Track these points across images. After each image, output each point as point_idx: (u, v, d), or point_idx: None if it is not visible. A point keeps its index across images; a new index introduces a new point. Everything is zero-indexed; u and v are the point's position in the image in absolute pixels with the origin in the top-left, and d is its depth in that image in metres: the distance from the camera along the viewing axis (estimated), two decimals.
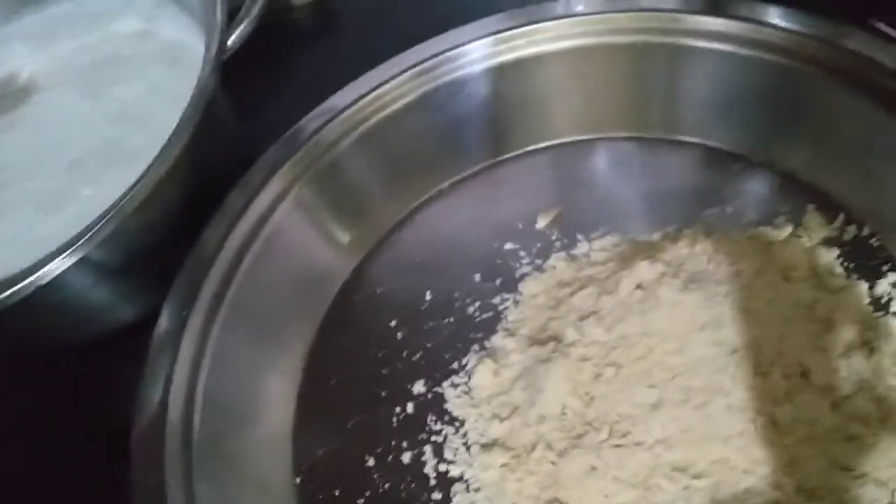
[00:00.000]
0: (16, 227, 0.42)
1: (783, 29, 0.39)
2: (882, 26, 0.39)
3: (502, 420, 0.36)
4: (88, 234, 0.35)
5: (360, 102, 0.43)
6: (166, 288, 0.39)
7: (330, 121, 0.42)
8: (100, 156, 0.43)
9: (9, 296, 0.34)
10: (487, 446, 0.36)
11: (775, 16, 0.39)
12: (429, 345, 0.40)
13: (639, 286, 0.37)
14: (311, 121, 0.42)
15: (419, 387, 0.39)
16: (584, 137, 0.45)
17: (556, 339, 0.37)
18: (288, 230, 0.41)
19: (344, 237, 0.43)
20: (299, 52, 0.55)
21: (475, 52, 0.43)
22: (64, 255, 0.35)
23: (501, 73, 0.43)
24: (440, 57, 0.43)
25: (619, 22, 0.42)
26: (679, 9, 0.41)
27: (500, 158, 0.45)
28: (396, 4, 0.55)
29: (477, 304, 0.41)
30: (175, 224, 0.40)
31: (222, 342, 0.37)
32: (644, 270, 0.37)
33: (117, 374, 0.43)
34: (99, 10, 0.49)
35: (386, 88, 0.43)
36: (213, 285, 0.38)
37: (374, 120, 0.43)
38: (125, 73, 0.46)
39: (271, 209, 0.40)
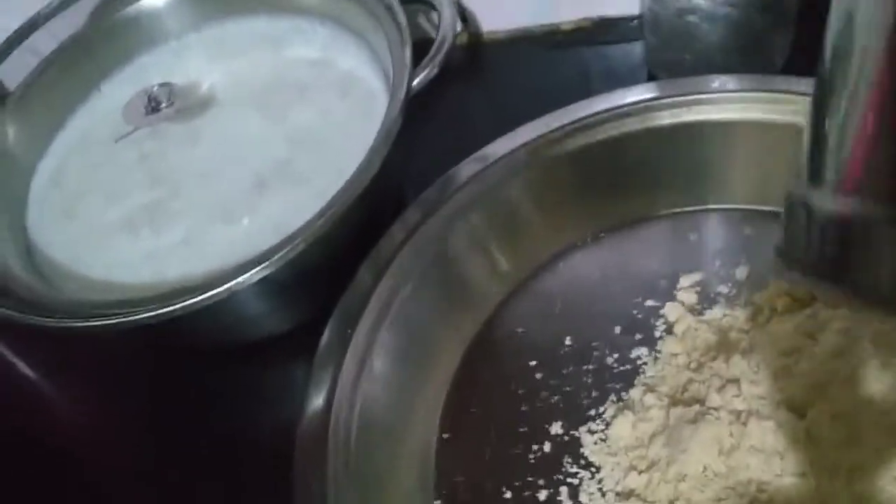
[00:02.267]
0: (189, 232, 0.45)
1: None
2: None
3: (640, 472, 0.38)
4: (277, 255, 0.38)
5: (511, 157, 0.45)
6: (321, 302, 0.41)
7: (476, 175, 0.45)
8: (274, 173, 0.46)
9: (197, 302, 0.37)
10: (624, 495, 0.37)
11: None
12: (567, 389, 0.42)
13: (783, 353, 0.38)
14: (457, 171, 0.45)
15: (556, 428, 0.40)
16: (734, 207, 0.46)
17: (699, 401, 0.38)
18: (452, 257, 0.43)
19: (502, 267, 0.45)
20: (447, 91, 0.57)
21: (635, 114, 0.45)
22: (253, 270, 0.37)
23: (660, 136, 0.45)
24: (603, 115, 0.45)
25: (774, 101, 0.44)
26: None
27: (645, 216, 0.47)
28: (546, 61, 0.58)
29: (616, 355, 0.42)
30: (343, 246, 0.42)
31: (380, 359, 0.40)
32: (787, 340, 0.39)
33: (265, 380, 0.46)
34: (277, 33, 0.52)
35: (537, 144, 0.45)
36: (376, 304, 0.41)
37: (521, 175, 0.45)
38: (299, 97, 0.49)
39: (440, 235, 0.43)
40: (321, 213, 0.38)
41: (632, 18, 0.57)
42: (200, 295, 0.37)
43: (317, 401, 0.38)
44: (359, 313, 0.40)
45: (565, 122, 0.45)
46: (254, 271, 0.37)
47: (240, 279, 0.37)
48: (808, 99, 0.28)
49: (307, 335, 0.40)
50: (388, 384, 0.40)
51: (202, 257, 0.43)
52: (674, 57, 0.51)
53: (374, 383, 0.39)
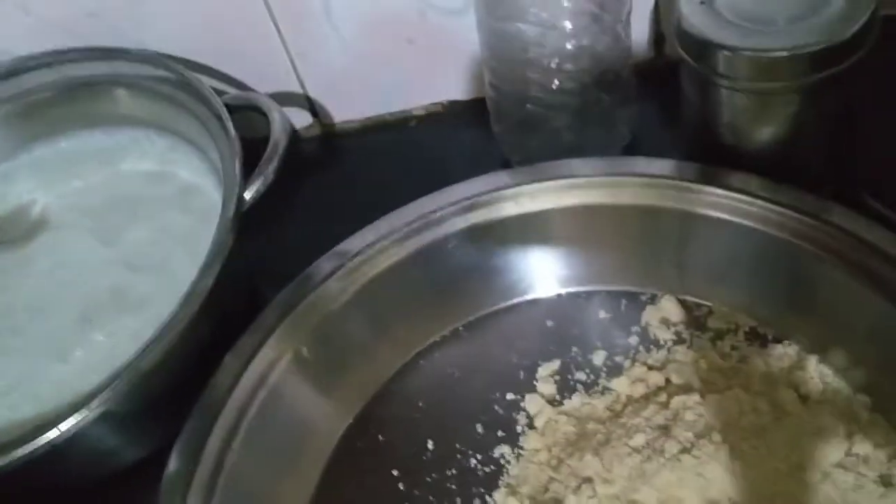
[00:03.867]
0: (26, 372, 0.42)
1: (770, 201, 0.40)
2: (871, 201, 0.41)
3: None
4: (107, 390, 0.35)
5: (367, 252, 0.44)
6: (171, 430, 0.39)
7: (333, 272, 0.43)
8: (110, 301, 0.44)
9: (31, 449, 0.35)
10: None
11: (762, 188, 0.41)
12: (431, 498, 0.40)
13: (635, 450, 0.38)
14: (315, 268, 0.43)
15: None
16: (585, 289, 0.46)
17: (559, 502, 0.37)
18: (287, 391, 0.41)
19: (343, 389, 0.44)
20: (302, 183, 0.56)
21: (481, 206, 0.45)
22: (85, 409, 0.35)
23: (506, 226, 0.45)
24: (447, 209, 0.44)
25: (620, 185, 0.44)
26: (674, 176, 0.43)
27: (501, 306, 0.47)
28: (401, 147, 0.57)
29: (479, 456, 0.41)
30: (187, 369, 0.40)
31: (227, 495, 0.38)
32: (640, 435, 0.38)
33: None
34: (111, 147, 0.51)
35: (391, 239, 0.44)
36: (215, 443, 0.38)
37: (378, 270, 0.44)
38: (137, 214, 0.47)
39: (270, 369, 0.41)
40: (149, 343, 0.36)
41: (482, 101, 0.57)
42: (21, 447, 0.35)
43: None
44: (201, 444, 0.38)
45: (413, 216, 0.45)
46: (84, 410, 0.35)
47: (70, 421, 0.35)
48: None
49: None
50: None
51: (35, 399, 0.41)
52: (522, 140, 0.51)
53: None
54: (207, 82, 0.47)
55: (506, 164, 0.51)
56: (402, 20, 0.53)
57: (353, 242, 0.44)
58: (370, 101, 0.59)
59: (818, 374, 0.40)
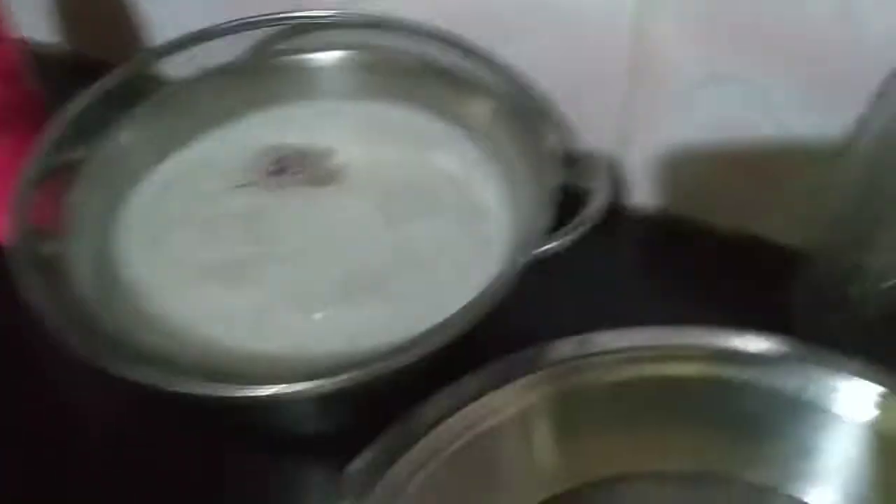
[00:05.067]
0: (250, 304, 0.42)
1: None
2: None
3: None
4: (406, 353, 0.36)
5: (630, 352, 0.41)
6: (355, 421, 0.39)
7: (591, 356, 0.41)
8: (368, 280, 0.43)
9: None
10: None
11: None
12: None
13: None
14: (553, 347, 0.41)
15: None
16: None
17: None
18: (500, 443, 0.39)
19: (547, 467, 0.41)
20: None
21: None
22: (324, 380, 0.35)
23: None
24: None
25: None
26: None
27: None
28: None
29: None
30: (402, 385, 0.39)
31: None
32: None
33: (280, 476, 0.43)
34: (430, 134, 0.50)
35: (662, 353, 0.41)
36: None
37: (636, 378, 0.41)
38: (425, 209, 0.47)
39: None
40: (402, 347, 0.36)
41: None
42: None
43: None
44: (392, 459, 0.37)
45: (681, 342, 0.41)
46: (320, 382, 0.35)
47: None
48: None
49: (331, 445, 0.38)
50: None
51: (261, 334, 0.41)
52: (822, 313, 0.46)
53: None
54: None
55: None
56: (756, 142, 0.50)
57: (605, 337, 0.41)
58: (681, 198, 0.56)
59: None
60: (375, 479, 0.36)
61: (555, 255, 0.49)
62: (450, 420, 0.39)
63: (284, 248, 0.45)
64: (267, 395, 0.35)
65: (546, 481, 0.41)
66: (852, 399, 0.39)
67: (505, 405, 0.40)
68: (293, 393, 0.35)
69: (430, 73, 0.50)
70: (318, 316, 0.42)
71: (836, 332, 0.45)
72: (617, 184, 0.55)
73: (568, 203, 0.43)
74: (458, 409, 0.39)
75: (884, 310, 0.43)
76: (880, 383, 0.39)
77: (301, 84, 0.52)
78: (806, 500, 0.40)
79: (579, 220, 0.41)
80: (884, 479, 0.39)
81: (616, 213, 0.56)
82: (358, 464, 0.36)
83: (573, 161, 0.46)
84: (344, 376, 0.35)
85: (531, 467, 0.41)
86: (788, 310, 0.49)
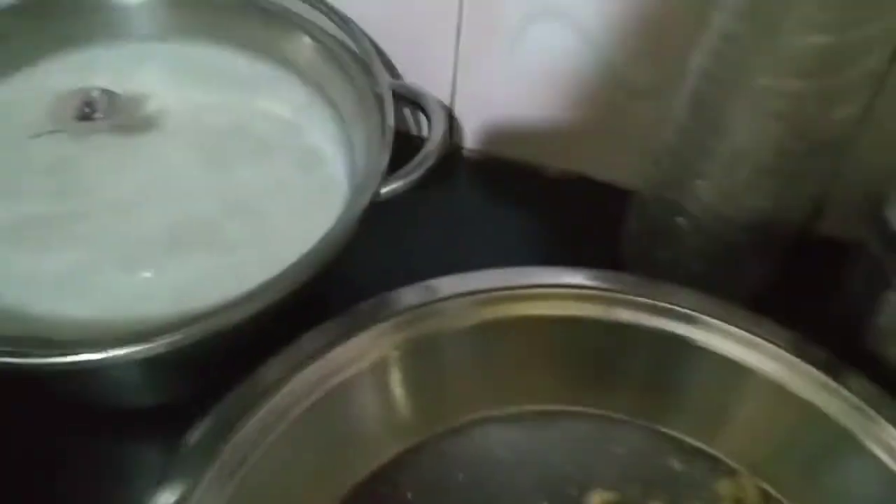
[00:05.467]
0: (81, 268, 0.38)
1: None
2: None
3: None
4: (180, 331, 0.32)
5: (472, 298, 0.41)
6: (192, 387, 0.37)
7: (431, 303, 0.40)
8: (196, 232, 0.40)
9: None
10: None
11: None
12: None
13: None
14: (409, 292, 0.40)
15: None
16: (677, 436, 0.42)
17: None
18: (351, 396, 0.38)
19: (405, 419, 0.40)
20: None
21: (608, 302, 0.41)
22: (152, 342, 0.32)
23: (628, 334, 0.41)
24: (569, 289, 0.41)
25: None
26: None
27: (583, 412, 0.42)
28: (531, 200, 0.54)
29: None
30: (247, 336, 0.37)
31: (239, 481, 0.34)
32: None
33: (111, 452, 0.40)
34: (252, 77, 0.47)
35: (499, 296, 0.41)
36: (260, 421, 0.35)
37: (477, 323, 0.41)
38: (255, 154, 0.44)
39: (344, 367, 0.38)
40: (236, 301, 0.33)
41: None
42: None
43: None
44: (232, 426, 0.35)
45: (528, 283, 0.41)
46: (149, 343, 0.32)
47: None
48: None
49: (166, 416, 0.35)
50: None
51: (80, 298, 0.37)
52: (651, 249, 0.48)
53: None
54: None
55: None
56: (586, 84, 0.50)
57: (446, 283, 0.41)
58: (512, 142, 0.56)
59: None
60: (217, 448, 0.34)
61: (394, 203, 0.48)
62: (296, 378, 0.37)
63: (99, 202, 0.41)
64: (71, 362, 0.31)
65: (404, 432, 0.40)
66: (692, 328, 0.41)
67: (355, 358, 0.39)
68: (109, 359, 0.31)
69: (247, 12, 0.47)
70: (143, 274, 0.38)
71: (665, 266, 0.47)
72: (451, 127, 0.54)
73: (404, 147, 0.42)
74: (305, 365, 0.38)
75: (709, 241, 0.45)
76: (713, 314, 0.41)
77: (104, 23, 0.47)
78: (660, 428, 0.42)
79: (417, 162, 0.40)
80: (730, 405, 0.41)
81: (451, 158, 0.56)
82: (194, 434, 0.34)
83: (407, 103, 0.45)
84: (168, 338, 0.32)
85: (388, 419, 0.40)
86: (619, 246, 0.50)
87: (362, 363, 0.39)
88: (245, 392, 0.36)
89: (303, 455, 0.37)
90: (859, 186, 0.40)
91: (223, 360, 0.37)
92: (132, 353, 0.32)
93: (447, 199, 0.54)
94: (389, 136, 0.39)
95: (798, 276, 0.46)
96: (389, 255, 0.47)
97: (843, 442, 0.38)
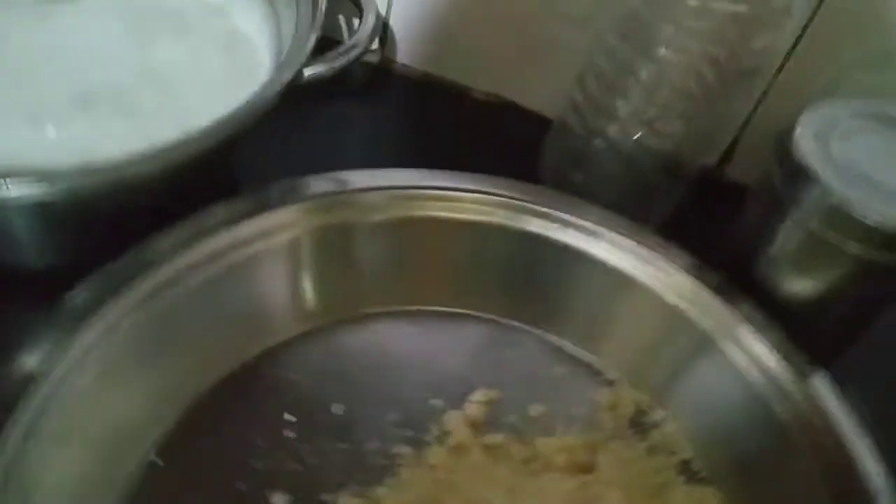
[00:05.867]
0: None
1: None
2: None
3: None
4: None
5: (384, 193, 0.42)
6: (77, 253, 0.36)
7: (343, 193, 0.41)
8: (107, 94, 0.39)
9: None
10: None
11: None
12: (310, 461, 0.37)
13: None
14: (322, 181, 0.41)
15: (278, 500, 0.36)
16: (564, 343, 0.43)
17: None
18: (256, 268, 0.39)
19: (307, 304, 0.41)
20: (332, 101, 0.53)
21: (518, 210, 0.43)
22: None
23: (534, 243, 0.43)
24: (480, 195, 0.42)
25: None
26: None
27: (480, 316, 0.44)
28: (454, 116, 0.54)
29: (377, 444, 0.38)
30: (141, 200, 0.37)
31: (120, 347, 0.35)
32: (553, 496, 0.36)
33: None
34: None
35: (410, 195, 0.42)
36: (148, 284, 0.36)
37: (387, 218, 0.42)
38: (177, 31, 0.43)
39: (257, 236, 0.39)
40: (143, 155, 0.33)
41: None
42: None
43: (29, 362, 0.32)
44: (120, 287, 0.35)
45: (441, 184, 0.42)
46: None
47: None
48: None
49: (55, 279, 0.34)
50: (118, 376, 0.35)
51: None
52: (568, 171, 0.49)
53: (103, 369, 0.34)
54: None
55: None
56: (521, 8, 0.51)
57: (359, 177, 0.42)
58: (443, 60, 0.56)
59: None
60: (98, 310, 0.34)
61: (321, 108, 0.49)
62: (197, 247, 0.38)
63: (13, 59, 0.40)
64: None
65: (302, 317, 0.41)
66: (593, 242, 0.42)
67: (262, 235, 0.39)
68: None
69: None
70: (50, 129, 0.37)
71: (580, 190, 0.48)
72: (386, 36, 0.55)
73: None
74: (207, 236, 0.38)
75: (624, 167, 0.47)
76: (616, 230, 0.42)
77: None
78: (550, 337, 0.43)
79: (344, 49, 0.40)
80: (619, 320, 0.43)
81: (382, 72, 0.56)
82: (77, 294, 0.34)
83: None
84: (64, 182, 0.32)
85: (287, 302, 0.41)
86: (536, 170, 0.51)
87: (270, 242, 0.39)
88: (138, 256, 0.36)
89: (192, 326, 0.38)
90: (770, 137, 0.42)
91: (124, 224, 0.37)
92: (28, 194, 0.31)
93: (374, 110, 0.55)
94: (319, 21, 0.39)
95: (704, 213, 0.47)
96: (308, 156, 0.48)
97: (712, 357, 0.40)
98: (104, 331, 0.34)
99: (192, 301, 0.37)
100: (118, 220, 0.38)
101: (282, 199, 0.40)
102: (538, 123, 0.53)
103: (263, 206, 0.39)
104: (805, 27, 0.45)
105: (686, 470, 0.39)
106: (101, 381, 0.34)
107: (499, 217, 0.42)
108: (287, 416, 0.38)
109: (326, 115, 0.51)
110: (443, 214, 0.42)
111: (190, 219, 0.38)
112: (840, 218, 0.37)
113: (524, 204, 0.42)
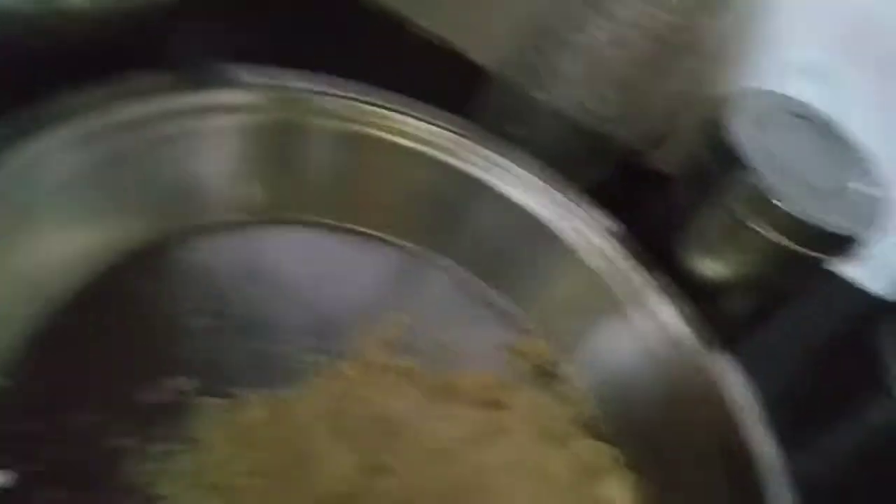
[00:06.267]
0: None
1: None
2: None
3: None
4: None
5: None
6: None
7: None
8: None
9: None
10: None
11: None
12: (218, 356, 0.35)
13: None
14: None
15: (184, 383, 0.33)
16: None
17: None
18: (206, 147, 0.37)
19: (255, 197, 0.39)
20: None
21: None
22: None
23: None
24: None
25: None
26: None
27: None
28: None
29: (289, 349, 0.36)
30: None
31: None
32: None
33: None
34: None
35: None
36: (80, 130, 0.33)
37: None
38: None
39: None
40: None
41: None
42: None
43: None
44: (39, 131, 0.32)
45: (394, 106, 0.42)
46: None
47: None
48: None
49: None
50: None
51: None
52: (502, 123, 0.48)
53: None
54: None
55: None
56: None
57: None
58: None
59: None
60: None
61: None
62: (112, 110, 0.35)
63: None
64: None
65: (234, 206, 0.39)
66: (526, 194, 0.43)
67: (200, 112, 0.37)
68: None
69: None
70: None
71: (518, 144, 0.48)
72: None
73: None
74: (125, 100, 0.35)
75: (559, 124, 0.47)
76: (553, 185, 0.43)
77: None
78: (473, 279, 0.43)
79: None
80: (542, 270, 0.43)
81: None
82: None
83: None
84: None
85: (222, 187, 0.39)
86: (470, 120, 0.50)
87: (210, 122, 0.37)
88: (46, 110, 0.33)
89: (87, 195, 0.35)
90: (694, 124, 0.43)
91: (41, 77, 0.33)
92: None
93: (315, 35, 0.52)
94: None
95: (629, 192, 0.48)
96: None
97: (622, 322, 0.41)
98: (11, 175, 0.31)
99: (116, 161, 0.34)
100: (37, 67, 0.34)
101: (219, 82, 0.38)
102: (473, 72, 0.52)
103: (197, 84, 0.37)
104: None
105: (589, 426, 0.40)
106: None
107: (441, 151, 0.42)
108: (197, 305, 0.36)
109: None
110: (390, 137, 0.41)
111: (104, 82, 0.35)
112: (764, 205, 0.39)
113: (469, 142, 0.42)
